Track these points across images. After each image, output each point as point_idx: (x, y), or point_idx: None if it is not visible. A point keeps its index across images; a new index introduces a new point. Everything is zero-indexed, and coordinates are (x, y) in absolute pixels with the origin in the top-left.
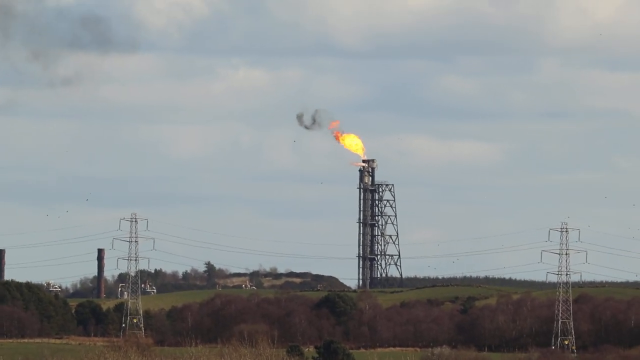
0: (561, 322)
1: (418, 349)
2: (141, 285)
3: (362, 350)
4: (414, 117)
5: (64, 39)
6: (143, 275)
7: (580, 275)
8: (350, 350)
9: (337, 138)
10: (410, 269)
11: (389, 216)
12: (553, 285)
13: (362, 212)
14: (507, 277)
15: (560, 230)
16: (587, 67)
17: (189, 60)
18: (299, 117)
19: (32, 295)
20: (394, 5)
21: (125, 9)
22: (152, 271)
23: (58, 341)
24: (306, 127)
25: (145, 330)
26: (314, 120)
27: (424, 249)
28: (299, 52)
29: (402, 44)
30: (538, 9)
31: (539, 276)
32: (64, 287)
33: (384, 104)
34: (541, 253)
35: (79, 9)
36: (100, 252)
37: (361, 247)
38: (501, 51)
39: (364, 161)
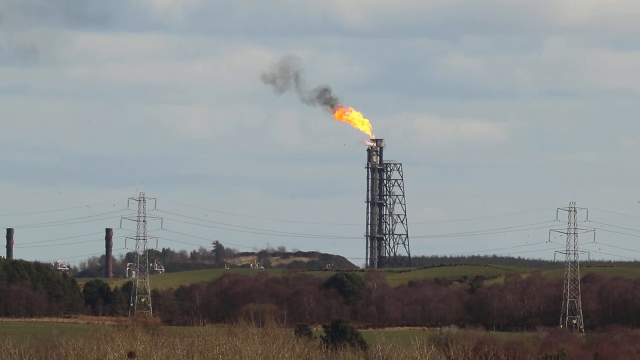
0: (569, 301)
1: (426, 328)
2: (149, 264)
3: (370, 329)
4: (420, 96)
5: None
6: (151, 254)
7: (589, 255)
8: (359, 330)
9: (345, 119)
10: (418, 248)
11: (397, 196)
12: (561, 265)
13: (370, 192)
14: (515, 256)
15: (568, 209)
16: (593, 47)
17: (195, 40)
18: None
19: (41, 275)
20: None
21: None
22: (160, 250)
23: (66, 320)
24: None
25: (153, 309)
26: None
27: (432, 228)
28: (305, 31)
29: (407, 23)
30: None
31: (547, 255)
32: (72, 266)
33: (390, 84)
34: (549, 232)
35: None
36: (109, 231)
37: (369, 226)
38: (507, 30)
39: (372, 140)
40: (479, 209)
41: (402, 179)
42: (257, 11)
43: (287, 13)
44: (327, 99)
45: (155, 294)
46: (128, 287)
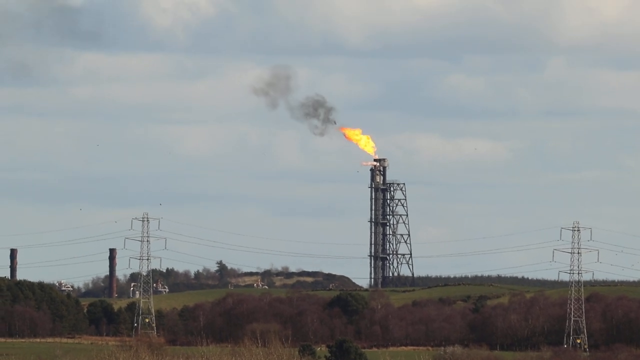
0: (573, 320)
1: (430, 348)
2: (153, 284)
3: (375, 349)
4: (422, 116)
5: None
6: (155, 274)
7: (592, 274)
8: (363, 350)
9: (349, 139)
10: (422, 268)
11: (400, 215)
12: (565, 284)
13: (373, 212)
14: (519, 275)
15: (572, 229)
16: (593, 66)
17: (196, 59)
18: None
19: (45, 295)
20: (400, 4)
21: (132, 9)
22: (164, 270)
23: (70, 341)
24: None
25: (157, 329)
26: (327, 119)
27: (436, 248)
28: (306, 51)
29: (408, 42)
30: (545, 7)
31: (551, 275)
32: (76, 286)
33: (391, 103)
34: (553, 252)
35: (86, 8)
36: (112, 251)
37: (373, 246)
38: (508, 50)
39: (375, 160)
40: (482, 228)
41: (406, 199)
42: (258, 31)
43: (289, 33)
44: (329, 119)
45: (159, 314)
46: (132, 307)
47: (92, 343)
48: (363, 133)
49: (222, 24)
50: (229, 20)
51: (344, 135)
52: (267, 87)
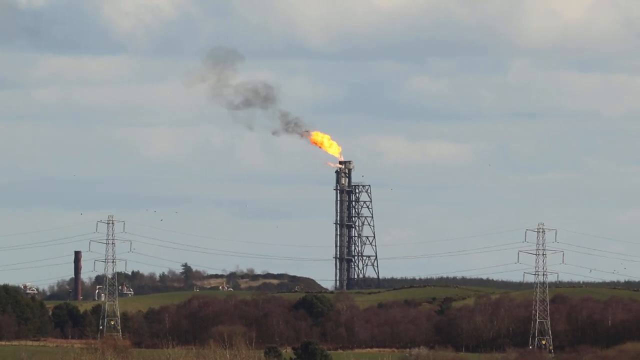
0: (538, 322)
1: (396, 350)
2: (118, 287)
3: (340, 351)
4: (385, 118)
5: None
6: (120, 277)
7: (557, 276)
8: (328, 352)
9: (313, 142)
10: (387, 269)
11: (365, 217)
12: (530, 286)
13: (338, 214)
14: (484, 277)
15: (536, 230)
16: (556, 68)
17: (158, 62)
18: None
19: (9, 298)
20: (362, 6)
21: (93, 11)
22: (129, 273)
23: (35, 343)
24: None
25: (122, 332)
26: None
27: (401, 250)
28: (268, 54)
29: (371, 45)
30: (508, 9)
31: (516, 277)
32: (40, 289)
33: (355, 106)
34: (518, 253)
35: (48, 11)
36: (77, 254)
37: (338, 248)
38: (471, 52)
39: (340, 162)
40: (447, 230)
41: (371, 201)
42: (220, 34)
43: (250, 36)
44: (294, 126)
45: (124, 316)
46: (97, 310)
47: (57, 346)
48: (326, 133)
49: (184, 26)
50: (190, 23)
51: (310, 138)
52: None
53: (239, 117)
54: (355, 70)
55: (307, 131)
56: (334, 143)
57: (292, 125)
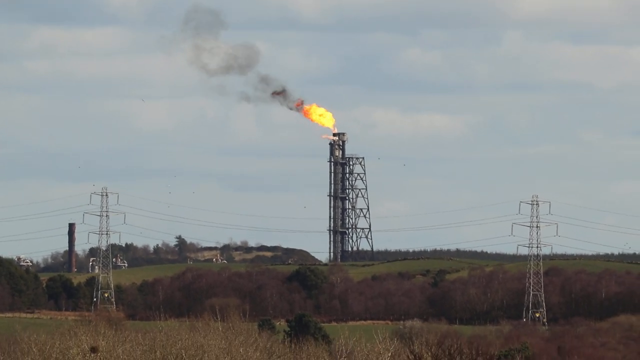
0: (532, 294)
1: (389, 322)
2: (112, 259)
3: (334, 323)
4: (379, 90)
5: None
6: (114, 249)
7: (551, 248)
8: (322, 324)
9: (305, 114)
10: (381, 242)
11: (359, 189)
12: (524, 258)
13: (332, 186)
14: (478, 250)
15: (530, 203)
16: (550, 40)
17: (151, 33)
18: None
19: (3, 270)
20: None
21: None
22: (123, 245)
23: (29, 316)
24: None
25: (116, 304)
26: (284, 95)
27: (395, 222)
28: (261, 25)
29: (365, 16)
30: None
31: (509, 249)
32: (35, 261)
33: (348, 78)
34: (512, 226)
35: None
36: (71, 226)
37: (332, 220)
38: (465, 24)
39: (334, 134)
40: (441, 202)
41: (365, 173)
42: (214, 5)
43: (245, 7)
44: (286, 96)
45: (118, 289)
46: (91, 282)
47: (51, 318)
48: (320, 105)
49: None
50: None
51: (304, 111)
52: (234, 68)
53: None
54: (348, 42)
55: (300, 102)
56: (329, 114)
57: (284, 96)
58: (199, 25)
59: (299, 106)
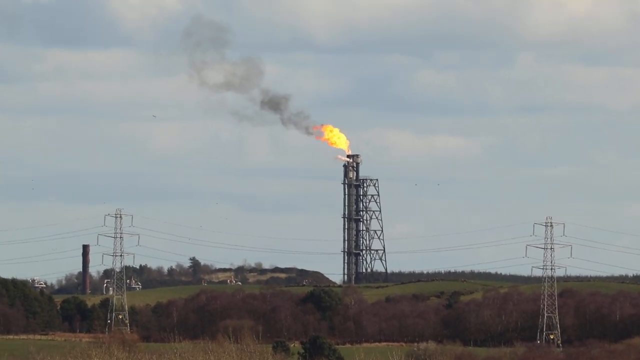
0: (546, 316)
1: (404, 344)
2: (126, 281)
3: (348, 345)
4: (392, 112)
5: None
6: (128, 271)
7: (565, 270)
8: (336, 346)
9: (321, 136)
10: (395, 263)
11: (373, 211)
12: (538, 280)
13: (346, 207)
14: (492, 271)
15: (544, 224)
16: (563, 62)
17: (165, 56)
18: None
19: (18, 292)
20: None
21: (99, 5)
22: (137, 267)
23: (44, 337)
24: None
25: (130, 326)
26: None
27: (409, 244)
28: (274, 47)
29: (377, 38)
30: (513, 3)
31: (524, 271)
32: (49, 283)
33: (361, 99)
34: (526, 247)
35: (54, 4)
36: (85, 248)
37: (346, 242)
38: (477, 46)
39: (348, 156)
40: (455, 224)
41: (379, 195)
42: (225, 27)
43: (256, 29)
44: (302, 121)
45: (132, 310)
46: (105, 303)
47: (65, 340)
48: (334, 127)
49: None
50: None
51: (319, 132)
52: (236, 82)
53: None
54: (361, 64)
55: (317, 126)
56: (343, 136)
57: (301, 120)
58: (211, 47)
59: (316, 129)
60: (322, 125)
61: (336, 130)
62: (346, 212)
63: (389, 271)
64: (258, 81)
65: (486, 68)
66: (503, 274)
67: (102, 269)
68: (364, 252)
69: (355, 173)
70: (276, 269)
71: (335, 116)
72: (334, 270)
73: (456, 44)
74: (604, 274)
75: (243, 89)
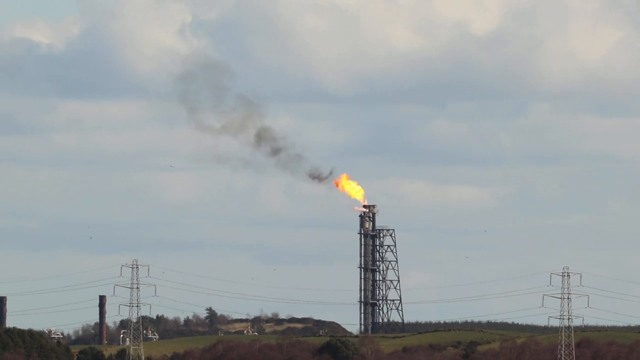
0: None
1: None
2: (143, 331)
3: None
4: (406, 162)
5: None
6: (145, 321)
7: (583, 319)
8: None
9: (337, 186)
10: (412, 313)
11: (389, 261)
12: (555, 330)
13: (363, 257)
14: (509, 321)
15: (561, 274)
16: (576, 112)
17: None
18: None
19: (34, 343)
20: (380, 49)
21: (113, 56)
22: (154, 317)
23: None
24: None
25: None
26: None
27: (425, 294)
28: (287, 97)
29: (390, 88)
30: (527, 53)
31: (541, 320)
32: (65, 333)
33: (376, 149)
34: (543, 297)
35: (68, 56)
36: (102, 298)
37: (362, 292)
38: (491, 95)
39: (364, 206)
40: (472, 274)
41: (395, 245)
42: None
43: (269, 80)
44: (317, 171)
45: None
46: (122, 354)
47: None
48: (351, 179)
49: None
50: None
51: (336, 184)
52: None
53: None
54: (375, 114)
55: (332, 176)
56: (358, 187)
57: (316, 170)
58: (223, 96)
59: (331, 179)
60: (336, 175)
61: (351, 181)
62: (362, 262)
63: (405, 321)
64: (271, 132)
65: (500, 118)
66: (520, 323)
67: (118, 319)
68: (380, 302)
69: (371, 223)
70: (293, 319)
71: (349, 166)
72: (351, 321)
73: (470, 94)
74: (621, 324)
75: (256, 139)
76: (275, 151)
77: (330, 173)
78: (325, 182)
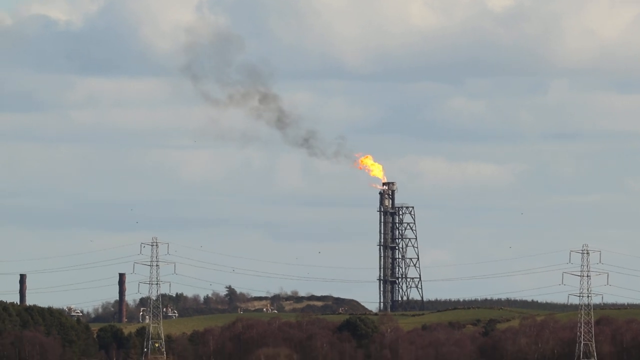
0: (583, 344)
1: None
2: (163, 309)
3: None
4: (424, 139)
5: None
6: (164, 299)
7: (602, 297)
8: None
9: (359, 165)
10: (431, 291)
11: (409, 239)
12: (575, 308)
13: (382, 235)
14: (528, 299)
15: (581, 252)
16: (594, 89)
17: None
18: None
19: (54, 320)
20: (399, 27)
21: (131, 33)
22: (174, 295)
23: None
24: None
25: (167, 354)
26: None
27: (445, 272)
28: (306, 75)
29: (409, 66)
30: (545, 29)
31: (560, 298)
32: (85, 311)
33: (393, 127)
34: (562, 275)
35: (86, 33)
36: (122, 276)
37: (382, 270)
38: (509, 72)
39: (384, 184)
40: (492, 252)
41: (415, 222)
42: (256, 55)
43: (288, 57)
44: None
45: (168, 338)
46: (142, 332)
47: None
48: (369, 155)
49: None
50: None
51: (356, 161)
52: (268, 110)
53: (279, 138)
54: (393, 91)
55: (352, 154)
56: (377, 164)
57: (335, 147)
58: (243, 74)
59: (351, 156)
60: (356, 152)
61: (370, 158)
62: (382, 240)
63: (425, 299)
64: (290, 109)
65: (518, 95)
66: (539, 301)
67: (138, 297)
68: (400, 280)
69: (390, 201)
70: (312, 297)
71: (368, 143)
72: (370, 299)
73: (488, 71)
74: None
75: (275, 117)
76: (293, 128)
77: (350, 151)
78: (345, 159)
